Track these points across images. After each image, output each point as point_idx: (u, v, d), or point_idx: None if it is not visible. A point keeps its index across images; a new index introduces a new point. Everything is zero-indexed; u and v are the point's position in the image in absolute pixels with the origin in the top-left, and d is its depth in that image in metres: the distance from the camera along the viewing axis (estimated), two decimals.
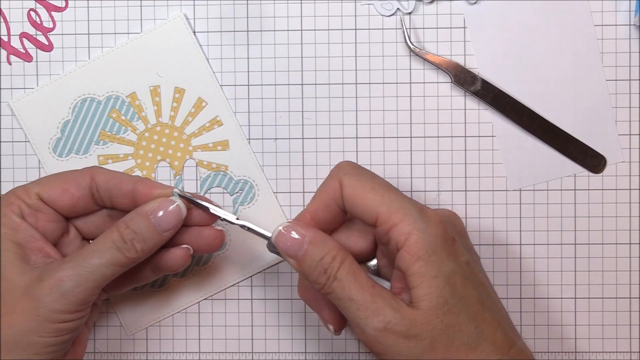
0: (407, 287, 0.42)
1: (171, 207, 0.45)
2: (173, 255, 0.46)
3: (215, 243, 0.47)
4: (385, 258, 0.45)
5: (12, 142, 0.53)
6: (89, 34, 0.53)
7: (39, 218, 0.46)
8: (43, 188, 0.46)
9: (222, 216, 0.46)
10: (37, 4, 0.53)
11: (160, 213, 0.45)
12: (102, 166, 0.49)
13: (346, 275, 0.42)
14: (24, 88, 0.53)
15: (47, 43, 0.53)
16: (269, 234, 0.45)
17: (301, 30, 0.53)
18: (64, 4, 0.53)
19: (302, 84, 0.53)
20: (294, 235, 0.43)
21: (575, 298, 0.53)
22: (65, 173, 0.47)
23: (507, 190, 0.53)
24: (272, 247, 0.45)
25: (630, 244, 0.53)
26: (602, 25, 0.52)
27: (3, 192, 0.53)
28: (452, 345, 0.41)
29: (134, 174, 0.53)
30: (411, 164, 0.53)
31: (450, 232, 0.42)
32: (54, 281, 0.43)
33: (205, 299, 0.53)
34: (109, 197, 0.46)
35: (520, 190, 0.53)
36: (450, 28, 0.53)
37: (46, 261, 0.45)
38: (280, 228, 0.44)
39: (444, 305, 0.41)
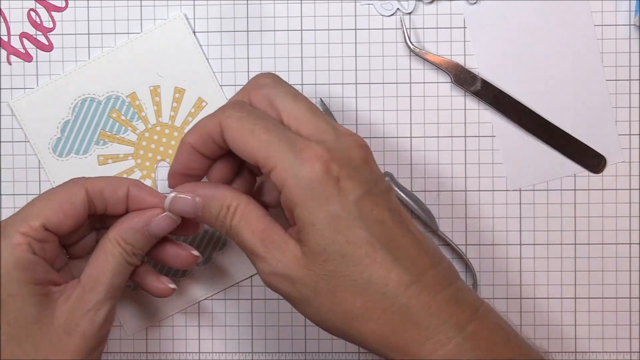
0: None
1: (167, 221, 0.45)
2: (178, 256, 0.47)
3: (186, 264, 0.47)
4: None
5: (12, 142, 0.53)
6: (89, 34, 0.53)
7: (45, 249, 0.44)
8: (47, 218, 0.43)
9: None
10: (37, 4, 0.53)
11: (155, 227, 0.45)
12: (88, 177, 0.47)
13: (238, 222, 0.42)
14: (24, 88, 0.53)
15: (47, 43, 0.53)
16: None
17: (301, 30, 0.53)
18: (64, 4, 0.53)
19: (302, 84, 0.53)
20: (187, 197, 0.43)
21: (575, 298, 0.53)
22: (57, 193, 0.45)
23: (507, 190, 0.53)
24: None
25: (630, 244, 0.53)
26: (602, 25, 0.52)
27: (3, 192, 0.53)
28: (336, 290, 0.40)
29: (133, 174, 0.53)
30: (411, 164, 0.53)
31: (333, 170, 0.39)
32: (93, 312, 0.44)
33: (205, 299, 0.53)
34: (104, 207, 0.45)
35: (520, 190, 0.53)
36: (450, 28, 0.52)
37: (59, 289, 0.44)
38: (172, 194, 0.43)
39: (323, 253, 0.39)
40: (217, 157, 0.45)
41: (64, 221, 0.44)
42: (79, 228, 0.46)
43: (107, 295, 0.44)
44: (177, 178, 0.45)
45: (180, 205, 0.44)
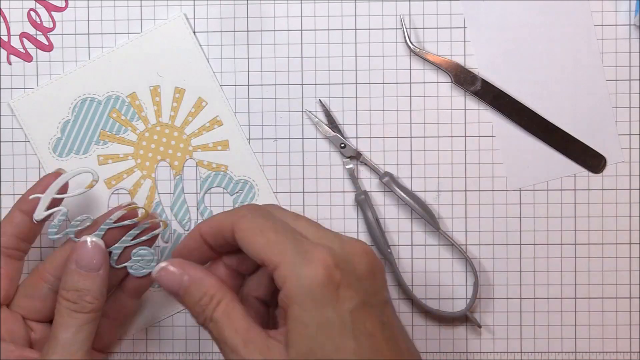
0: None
1: (85, 248, 0.45)
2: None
3: (140, 290, 0.48)
4: None
5: (12, 142, 0.53)
6: (89, 34, 0.53)
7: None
8: (23, 308, 0.47)
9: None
10: (37, 4, 0.53)
11: (81, 260, 0.45)
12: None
13: (221, 317, 0.42)
14: (24, 88, 0.53)
15: (47, 43, 0.53)
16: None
17: (301, 30, 0.53)
18: (64, 4, 0.53)
19: (302, 84, 0.53)
20: (175, 272, 0.43)
21: (575, 298, 0.53)
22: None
23: (507, 190, 0.53)
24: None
25: (630, 244, 0.53)
26: (602, 25, 0.52)
27: (3, 192, 0.53)
28: None
29: (133, 174, 0.53)
30: (411, 164, 0.53)
31: (335, 277, 0.40)
32: None
33: None
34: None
35: (520, 190, 0.53)
36: (450, 28, 0.53)
37: None
38: (163, 264, 0.43)
39: (309, 354, 0.39)
40: (221, 253, 0.46)
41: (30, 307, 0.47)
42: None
43: (62, 354, 0.44)
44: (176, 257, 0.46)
45: (166, 279, 0.44)
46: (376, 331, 0.41)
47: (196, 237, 0.45)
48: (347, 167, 0.53)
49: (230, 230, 0.43)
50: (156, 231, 0.47)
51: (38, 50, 0.53)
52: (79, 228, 0.46)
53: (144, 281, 0.48)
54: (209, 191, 0.53)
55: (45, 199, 0.46)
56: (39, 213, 0.46)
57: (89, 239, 0.45)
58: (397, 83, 0.53)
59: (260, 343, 0.41)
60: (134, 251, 0.47)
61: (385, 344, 0.41)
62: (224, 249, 0.45)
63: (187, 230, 0.53)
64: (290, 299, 0.40)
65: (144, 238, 0.47)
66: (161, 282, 0.44)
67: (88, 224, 0.46)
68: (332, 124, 0.53)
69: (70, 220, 0.47)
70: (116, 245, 0.46)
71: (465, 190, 0.53)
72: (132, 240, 0.46)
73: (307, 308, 0.40)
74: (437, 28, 0.53)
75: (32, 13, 0.53)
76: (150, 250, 0.47)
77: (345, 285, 0.40)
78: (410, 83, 0.53)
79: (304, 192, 0.53)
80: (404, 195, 0.52)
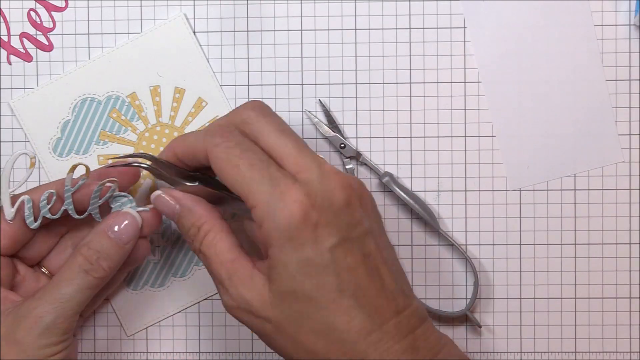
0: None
1: (126, 220, 0.46)
2: (136, 247, 0.47)
3: (144, 252, 0.48)
4: None
5: (12, 142, 0.53)
6: (89, 34, 0.53)
7: None
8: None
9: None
10: (37, 4, 0.53)
11: (117, 227, 0.45)
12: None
13: (207, 249, 0.43)
14: (24, 88, 0.53)
15: (47, 43, 0.53)
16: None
17: (301, 30, 0.53)
18: (64, 4, 0.53)
19: (302, 84, 0.53)
20: (169, 201, 0.45)
21: (575, 298, 0.53)
22: None
23: (507, 190, 0.53)
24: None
25: (630, 244, 0.53)
26: (602, 25, 0.52)
27: (3, 192, 0.53)
28: (300, 330, 0.41)
29: None
30: (411, 164, 0.53)
31: (312, 217, 0.40)
32: (32, 320, 0.43)
33: (205, 299, 0.53)
34: None
35: (520, 190, 0.53)
36: (450, 28, 0.53)
37: (12, 305, 0.45)
38: (159, 192, 0.45)
39: (291, 294, 0.40)
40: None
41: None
42: (18, 243, 0.47)
43: (53, 304, 0.44)
44: None
45: (162, 206, 0.45)
46: (358, 265, 0.41)
47: (172, 157, 0.46)
48: (347, 167, 0.53)
49: (205, 156, 0.43)
50: (113, 185, 0.47)
51: (38, 50, 0.53)
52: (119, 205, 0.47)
53: (140, 254, 0.48)
54: None
55: (3, 198, 0.46)
56: (9, 212, 0.46)
57: (132, 211, 0.46)
58: (397, 83, 0.53)
59: (243, 275, 0.42)
60: (113, 205, 0.47)
61: (367, 276, 0.41)
62: (202, 169, 0.45)
63: None
64: (269, 240, 0.40)
65: (107, 195, 0.47)
66: (158, 208, 0.45)
67: (54, 198, 0.46)
68: (332, 124, 0.53)
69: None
70: (90, 208, 0.46)
71: (465, 190, 0.53)
72: (99, 199, 0.46)
73: (286, 249, 0.40)
74: (437, 28, 0.53)
75: (32, 13, 0.53)
76: (128, 196, 0.47)
77: (323, 223, 0.40)
78: (410, 83, 0.53)
79: None
80: (404, 195, 0.52)
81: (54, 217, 0.46)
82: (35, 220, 0.46)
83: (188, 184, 0.45)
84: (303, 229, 0.40)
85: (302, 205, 0.40)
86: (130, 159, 0.47)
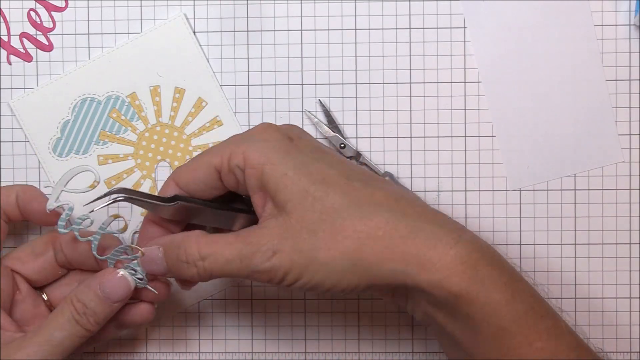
0: (269, 198, 0.42)
1: (118, 282, 0.45)
2: (138, 310, 0.47)
3: (146, 317, 0.47)
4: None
5: (12, 142, 0.53)
6: (89, 34, 0.53)
7: None
8: (22, 262, 0.48)
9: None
10: (37, 4, 0.53)
11: (107, 288, 0.45)
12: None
13: (207, 260, 0.42)
14: (24, 88, 0.53)
15: (47, 43, 0.53)
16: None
17: (301, 30, 0.53)
18: (64, 4, 0.53)
19: (302, 84, 0.53)
20: (152, 248, 0.44)
21: (575, 298, 0.53)
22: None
23: (507, 190, 0.53)
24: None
25: (630, 244, 0.53)
26: (602, 25, 0.52)
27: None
28: (334, 224, 0.40)
29: (133, 174, 0.53)
30: (411, 164, 0.53)
31: (285, 133, 0.43)
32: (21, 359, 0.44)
33: (205, 299, 0.53)
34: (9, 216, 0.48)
35: (520, 190, 0.53)
36: (450, 28, 0.53)
37: (5, 341, 0.45)
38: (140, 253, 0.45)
39: (307, 194, 0.41)
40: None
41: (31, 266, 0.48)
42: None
43: (43, 347, 0.44)
44: (176, 189, 0.45)
45: (148, 259, 0.44)
46: (341, 159, 0.44)
47: (173, 190, 0.45)
48: None
49: (234, 166, 0.43)
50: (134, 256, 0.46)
51: (38, 50, 0.53)
52: (81, 227, 0.46)
53: (138, 318, 0.47)
54: None
55: (56, 190, 0.46)
56: (51, 203, 0.46)
57: (121, 271, 0.45)
58: (397, 83, 0.53)
59: (252, 235, 0.41)
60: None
61: (354, 166, 0.45)
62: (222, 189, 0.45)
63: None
64: (258, 166, 0.42)
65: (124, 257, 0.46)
66: (145, 266, 0.45)
67: (88, 224, 0.46)
68: (332, 124, 0.53)
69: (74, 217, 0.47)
70: (109, 258, 0.46)
71: (465, 190, 0.53)
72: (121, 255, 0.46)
73: (278, 160, 0.42)
74: (437, 28, 0.53)
75: (32, 13, 0.53)
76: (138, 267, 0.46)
77: (296, 137, 0.44)
78: (410, 83, 0.53)
79: None
80: None
81: (82, 239, 0.46)
82: (66, 227, 0.46)
83: (168, 204, 0.44)
84: (284, 142, 0.43)
85: (272, 129, 0.44)
86: (105, 199, 0.45)
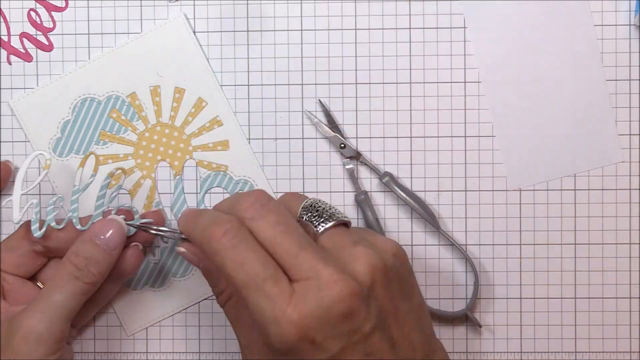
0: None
1: (112, 228, 0.46)
2: (126, 257, 0.48)
3: (134, 262, 0.48)
4: None
5: (12, 142, 0.53)
6: (89, 34, 0.53)
7: None
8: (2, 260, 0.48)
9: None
10: (37, 4, 0.53)
11: (102, 235, 0.46)
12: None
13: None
14: (24, 88, 0.53)
15: (47, 43, 0.53)
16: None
17: (301, 30, 0.53)
18: (64, 4, 0.53)
19: (302, 84, 0.53)
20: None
21: (575, 298, 0.53)
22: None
23: (507, 190, 0.53)
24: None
25: (630, 244, 0.53)
26: (602, 25, 0.52)
27: (3, 192, 0.53)
28: None
29: (133, 174, 0.53)
30: (411, 164, 0.53)
31: (308, 335, 0.38)
32: (25, 330, 0.44)
33: (205, 299, 0.53)
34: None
35: (520, 190, 0.53)
36: (450, 28, 0.53)
37: (7, 316, 0.45)
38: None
39: None
40: None
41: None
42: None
43: (45, 312, 0.44)
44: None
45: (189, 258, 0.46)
46: None
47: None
48: (347, 167, 0.53)
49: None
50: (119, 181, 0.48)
51: (38, 50, 0.53)
52: (56, 213, 0.47)
53: (131, 264, 0.48)
54: (209, 191, 0.53)
55: (15, 197, 0.47)
56: (16, 215, 0.47)
57: (118, 218, 0.46)
58: (397, 83, 0.53)
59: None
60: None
61: None
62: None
63: None
64: (269, 349, 0.39)
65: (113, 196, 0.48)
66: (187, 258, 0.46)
67: (61, 203, 0.47)
68: (332, 124, 0.53)
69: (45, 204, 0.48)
70: (95, 213, 0.48)
71: (465, 190, 0.53)
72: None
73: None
74: (437, 28, 0.53)
75: (32, 13, 0.53)
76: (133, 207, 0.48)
77: (320, 339, 0.38)
78: (410, 83, 0.53)
79: (304, 192, 0.53)
80: (404, 195, 0.52)
81: (59, 226, 0.47)
82: (40, 228, 0.46)
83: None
84: (300, 346, 0.38)
85: (297, 327, 0.38)
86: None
